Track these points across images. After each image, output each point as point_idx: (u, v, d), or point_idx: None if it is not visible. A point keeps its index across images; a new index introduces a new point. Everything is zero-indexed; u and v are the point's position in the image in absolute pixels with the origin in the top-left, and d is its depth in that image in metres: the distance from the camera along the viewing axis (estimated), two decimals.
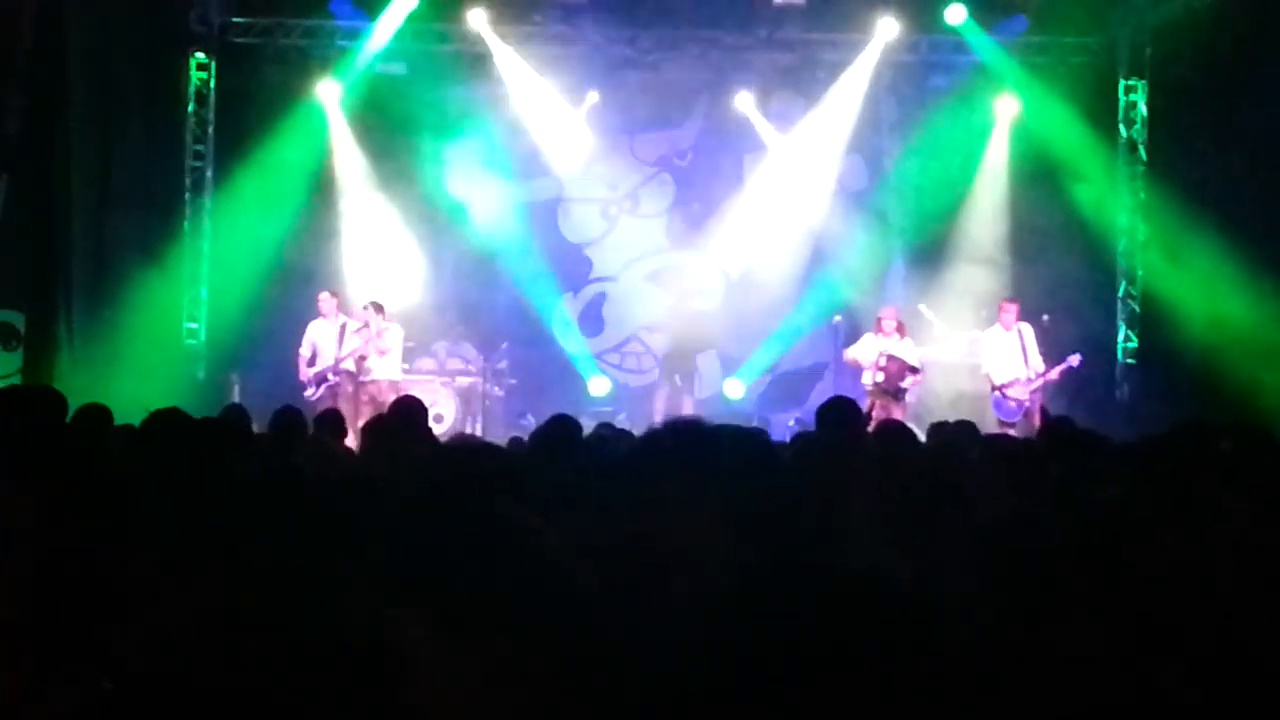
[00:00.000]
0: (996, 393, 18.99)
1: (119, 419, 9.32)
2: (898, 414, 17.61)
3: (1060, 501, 6.55)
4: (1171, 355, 19.64)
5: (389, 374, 19.09)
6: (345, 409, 15.64)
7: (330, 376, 19.02)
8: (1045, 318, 19.65)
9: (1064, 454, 8.31)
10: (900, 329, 19.19)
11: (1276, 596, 4.62)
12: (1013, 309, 19.17)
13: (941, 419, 11.66)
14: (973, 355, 20.06)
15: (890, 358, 18.78)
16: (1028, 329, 19.11)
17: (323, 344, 19.26)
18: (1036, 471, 7.49)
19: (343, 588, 3.16)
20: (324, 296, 19.72)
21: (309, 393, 18.80)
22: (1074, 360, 18.85)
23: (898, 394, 18.68)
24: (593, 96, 22.24)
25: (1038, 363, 18.90)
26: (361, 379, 19.02)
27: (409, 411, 9.89)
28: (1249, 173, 18.65)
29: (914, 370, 18.95)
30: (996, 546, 4.40)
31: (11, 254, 18.10)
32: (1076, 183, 21.45)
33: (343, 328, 19.27)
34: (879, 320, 19.25)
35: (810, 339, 21.41)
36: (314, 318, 19.54)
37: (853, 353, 19.32)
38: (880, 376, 18.70)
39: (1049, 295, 20.10)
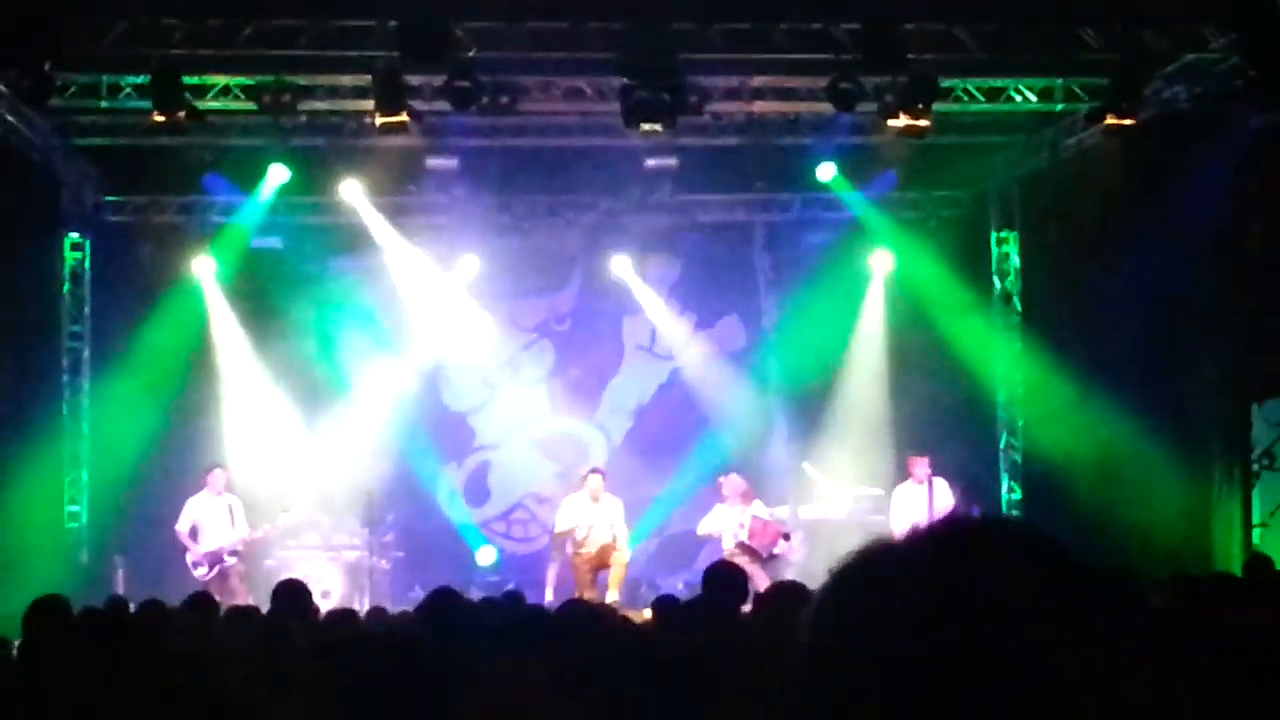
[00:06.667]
0: None
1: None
2: (762, 579, 16.62)
3: None
4: (1055, 506, 19.62)
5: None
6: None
7: (226, 558, 18.76)
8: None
9: None
10: (746, 496, 19.13)
11: None
12: (923, 463, 19.11)
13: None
14: (861, 512, 20.13)
15: (761, 521, 18.70)
16: (942, 485, 19.03)
17: (206, 521, 19.00)
18: None
19: None
20: (217, 472, 19.45)
21: (199, 572, 18.50)
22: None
23: (767, 558, 18.50)
24: (470, 263, 22.20)
25: None
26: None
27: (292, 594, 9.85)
28: (1121, 320, 18.88)
29: (787, 536, 18.89)
30: None
31: None
32: (953, 336, 21.58)
33: (230, 507, 19.06)
34: (720, 487, 19.27)
35: (695, 501, 21.18)
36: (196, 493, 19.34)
37: (706, 526, 19.26)
38: (743, 535, 18.55)
39: (931, 448, 20.05)
